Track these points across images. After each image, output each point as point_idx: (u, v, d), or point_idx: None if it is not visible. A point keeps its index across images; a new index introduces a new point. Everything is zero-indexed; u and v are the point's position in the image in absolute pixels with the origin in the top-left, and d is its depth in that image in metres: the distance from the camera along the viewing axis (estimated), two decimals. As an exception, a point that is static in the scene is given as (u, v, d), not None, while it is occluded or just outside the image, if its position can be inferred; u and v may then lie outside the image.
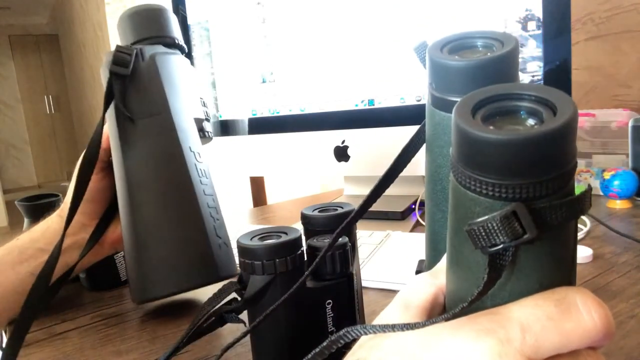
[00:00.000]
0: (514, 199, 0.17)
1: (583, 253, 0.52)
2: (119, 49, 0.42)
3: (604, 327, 0.18)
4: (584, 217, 0.65)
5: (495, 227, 0.17)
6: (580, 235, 0.60)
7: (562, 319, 0.18)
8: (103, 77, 0.45)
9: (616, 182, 0.71)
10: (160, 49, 0.44)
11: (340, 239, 0.35)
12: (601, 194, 0.75)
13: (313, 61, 0.76)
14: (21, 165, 5.94)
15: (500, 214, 0.17)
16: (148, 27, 0.46)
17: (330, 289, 0.34)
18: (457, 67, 0.24)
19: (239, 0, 0.80)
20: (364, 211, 0.29)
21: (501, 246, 0.18)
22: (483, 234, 0.18)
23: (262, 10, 0.78)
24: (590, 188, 0.18)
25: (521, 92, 0.19)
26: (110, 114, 0.44)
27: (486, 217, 0.17)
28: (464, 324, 0.19)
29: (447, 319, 0.19)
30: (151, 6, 0.46)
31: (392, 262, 0.53)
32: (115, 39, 2.83)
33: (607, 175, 0.72)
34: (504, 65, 0.23)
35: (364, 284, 0.49)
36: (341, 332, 0.22)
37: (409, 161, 0.31)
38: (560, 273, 0.19)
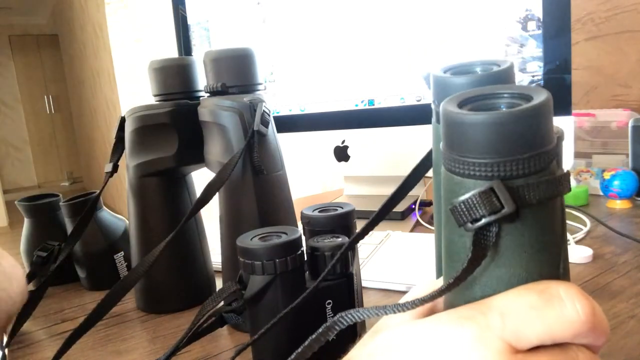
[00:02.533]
0: (492, 177, 0.19)
1: (583, 253, 0.52)
2: (264, 110, 0.44)
3: (589, 320, 0.18)
4: (584, 217, 0.65)
5: (475, 202, 0.19)
6: (580, 235, 0.60)
7: (543, 308, 0.18)
8: (230, 122, 0.44)
9: (616, 182, 0.71)
10: (261, 99, 0.46)
11: (340, 239, 0.36)
12: (601, 194, 0.75)
13: (313, 61, 0.76)
14: (21, 165, 5.93)
15: (479, 190, 0.19)
16: (246, 73, 0.47)
17: (330, 289, 0.34)
18: (458, 83, 0.25)
19: (239, 0, 0.80)
20: (367, 231, 0.30)
21: (483, 221, 0.19)
22: (464, 209, 0.19)
23: (262, 10, 0.78)
24: (568, 172, 0.20)
25: (503, 91, 0.21)
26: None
27: (467, 194, 0.19)
28: (447, 313, 0.20)
29: (432, 297, 0.20)
30: (247, 50, 0.47)
31: (392, 262, 0.53)
32: (115, 39, 2.83)
33: (607, 175, 0.72)
34: (500, 81, 0.25)
35: (364, 284, 0.49)
36: (335, 318, 0.22)
37: (416, 183, 0.33)
38: (546, 259, 0.20)
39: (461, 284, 0.20)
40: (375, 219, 0.30)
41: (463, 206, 0.19)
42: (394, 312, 0.20)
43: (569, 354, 0.19)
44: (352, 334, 0.36)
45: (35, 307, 0.46)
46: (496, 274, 0.20)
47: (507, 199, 0.18)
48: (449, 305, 0.22)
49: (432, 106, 0.28)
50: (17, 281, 0.42)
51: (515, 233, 0.19)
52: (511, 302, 0.19)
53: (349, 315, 0.22)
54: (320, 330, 0.23)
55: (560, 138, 0.21)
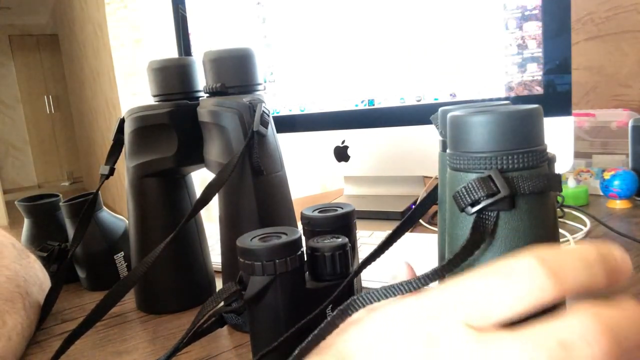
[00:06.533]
0: (491, 169, 0.22)
1: (583, 253, 0.52)
2: (264, 110, 0.44)
3: (540, 281, 0.18)
4: (584, 217, 0.65)
5: (474, 186, 0.21)
6: (580, 235, 0.60)
7: (497, 288, 0.19)
8: (230, 122, 0.44)
9: (616, 182, 0.71)
10: (261, 99, 0.45)
11: (339, 240, 0.36)
12: (601, 194, 0.75)
13: (313, 61, 0.76)
14: (21, 165, 5.93)
15: (478, 176, 0.22)
16: (246, 74, 0.46)
17: (330, 290, 0.34)
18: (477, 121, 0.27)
19: (239, 0, 0.80)
20: (382, 252, 0.32)
21: (482, 204, 0.21)
22: (465, 193, 0.22)
23: (262, 10, 0.78)
24: (559, 174, 0.22)
25: (500, 106, 0.24)
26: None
27: (468, 182, 0.22)
28: (423, 299, 0.21)
29: (434, 274, 0.21)
30: (247, 50, 0.47)
31: (392, 262, 0.53)
32: (115, 39, 2.83)
33: (607, 175, 0.72)
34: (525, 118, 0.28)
35: (364, 284, 0.49)
36: (349, 301, 0.23)
37: (426, 211, 0.35)
38: None
39: (460, 269, 0.22)
40: (382, 248, 0.32)
41: (464, 190, 0.22)
42: (403, 292, 0.22)
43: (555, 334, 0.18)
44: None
45: (56, 300, 0.49)
46: (495, 261, 0.21)
47: (502, 184, 0.21)
48: None
49: (440, 137, 0.31)
50: (46, 277, 0.52)
51: (512, 222, 0.22)
52: (469, 287, 0.20)
53: (362, 298, 0.23)
54: (334, 313, 0.23)
55: (552, 159, 0.23)
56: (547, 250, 0.19)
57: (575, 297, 0.19)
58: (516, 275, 0.19)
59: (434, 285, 0.22)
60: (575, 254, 0.19)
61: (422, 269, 0.22)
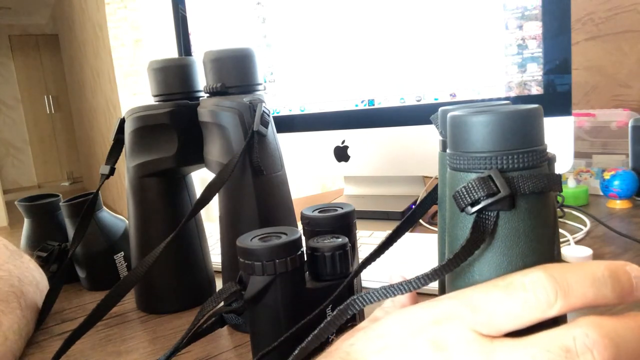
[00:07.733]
0: (490, 169, 0.22)
1: (583, 253, 0.52)
2: (264, 110, 0.44)
3: (547, 296, 0.19)
4: (584, 217, 0.65)
5: (474, 185, 0.21)
6: (580, 235, 0.60)
7: (507, 301, 0.20)
8: (231, 123, 0.44)
9: (616, 182, 0.71)
10: (261, 99, 0.45)
11: (339, 240, 0.36)
12: (601, 194, 0.75)
13: (313, 61, 0.76)
14: (21, 165, 5.93)
15: (478, 176, 0.22)
16: (246, 74, 0.47)
17: (330, 290, 0.34)
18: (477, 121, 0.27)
19: (239, 0, 0.80)
20: (382, 252, 0.32)
21: (482, 204, 0.21)
22: (465, 193, 0.22)
23: (262, 10, 0.78)
24: (560, 175, 0.22)
25: (500, 106, 0.24)
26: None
27: (468, 181, 0.22)
28: (427, 309, 0.22)
29: (433, 275, 0.22)
30: (247, 50, 0.47)
31: (392, 262, 0.53)
32: (115, 39, 2.83)
33: (607, 175, 0.72)
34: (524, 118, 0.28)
35: (364, 284, 0.49)
36: (349, 301, 0.24)
37: (426, 211, 0.35)
38: (541, 252, 0.22)
39: (460, 269, 0.22)
40: (382, 248, 0.32)
41: (464, 190, 0.22)
42: (403, 292, 0.22)
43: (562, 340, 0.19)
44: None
45: (55, 300, 0.49)
46: (495, 261, 0.22)
47: (502, 184, 0.21)
48: (450, 290, 0.23)
49: (440, 137, 0.31)
50: (43, 276, 0.51)
51: (512, 222, 0.22)
52: (480, 297, 0.21)
53: (362, 298, 0.23)
54: (334, 313, 0.24)
55: (552, 159, 0.23)
56: (556, 266, 0.20)
57: (583, 311, 0.20)
58: (525, 289, 0.20)
59: (434, 285, 0.22)
60: (584, 271, 0.20)
61: (422, 269, 0.22)
